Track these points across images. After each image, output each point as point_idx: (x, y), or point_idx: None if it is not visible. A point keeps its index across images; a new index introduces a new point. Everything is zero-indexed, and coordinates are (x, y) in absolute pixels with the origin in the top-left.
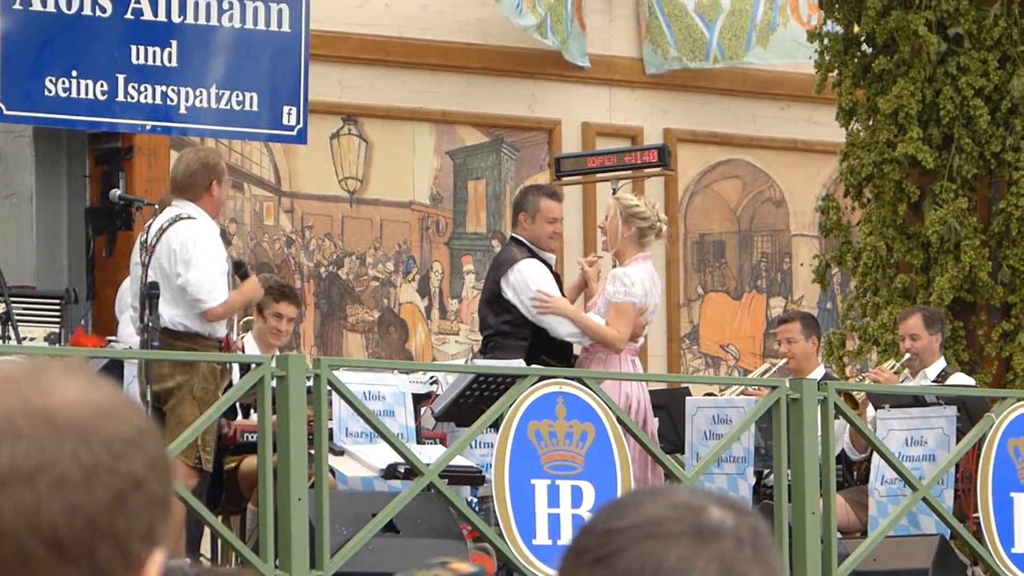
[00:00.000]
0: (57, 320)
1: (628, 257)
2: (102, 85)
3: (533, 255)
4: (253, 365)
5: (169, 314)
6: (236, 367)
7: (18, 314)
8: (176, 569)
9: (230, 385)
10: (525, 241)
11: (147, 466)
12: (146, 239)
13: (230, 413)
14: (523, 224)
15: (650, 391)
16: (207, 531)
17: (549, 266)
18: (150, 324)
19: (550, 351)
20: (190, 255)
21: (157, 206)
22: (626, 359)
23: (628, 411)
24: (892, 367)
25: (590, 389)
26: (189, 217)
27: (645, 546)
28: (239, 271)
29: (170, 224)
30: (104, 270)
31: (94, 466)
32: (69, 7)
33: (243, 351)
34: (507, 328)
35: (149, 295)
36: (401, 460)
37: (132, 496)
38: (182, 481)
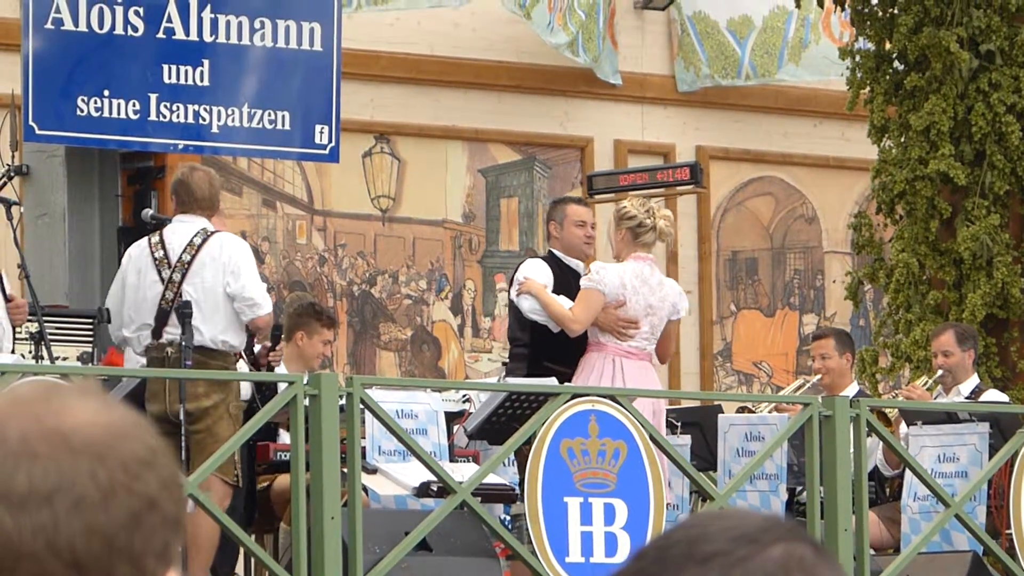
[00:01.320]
0: (90, 339)
1: (624, 258)
2: (134, 104)
3: (554, 263)
4: (286, 384)
5: (211, 332)
6: (245, 384)
7: (51, 333)
8: None
9: (253, 402)
10: (556, 252)
11: (161, 486)
12: (165, 256)
13: (266, 434)
14: (554, 235)
15: (682, 408)
16: (242, 550)
17: (573, 272)
18: (183, 343)
19: (550, 355)
20: (239, 266)
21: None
22: (607, 358)
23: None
24: (925, 384)
25: (622, 407)
26: (219, 232)
27: (784, 546)
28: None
29: (204, 240)
30: None
31: (111, 486)
32: (101, 26)
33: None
34: (512, 336)
35: (182, 313)
36: (434, 478)
37: (148, 516)
38: (218, 499)
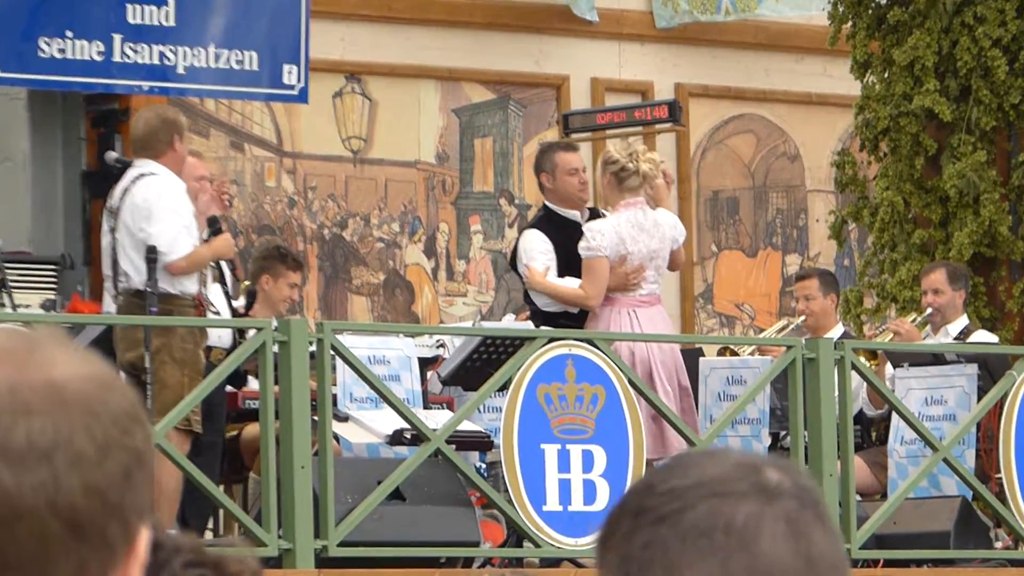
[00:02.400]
0: (53, 286)
1: (613, 206)
2: (98, 45)
3: (550, 223)
4: (255, 330)
5: (141, 277)
6: (225, 332)
7: (13, 281)
8: (166, 542)
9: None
10: (552, 206)
11: (146, 440)
12: (111, 203)
13: (235, 380)
14: (548, 186)
15: None
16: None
17: (572, 224)
18: (148, 289)
19: (567, 315)
20: (151, 209)
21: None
22: (622, 312)
23: (634, 368)
24: (914, 320)
25: (600, 351)
26: (152, 174)
27: (712, 503)
28: (212, 227)
29: (133, 183)
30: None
31: (105, 442)
32: None
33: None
34: (527, 300)
35: (148, 258)
36: (407, 426)
37: (137, 471)
38: (176, 446)
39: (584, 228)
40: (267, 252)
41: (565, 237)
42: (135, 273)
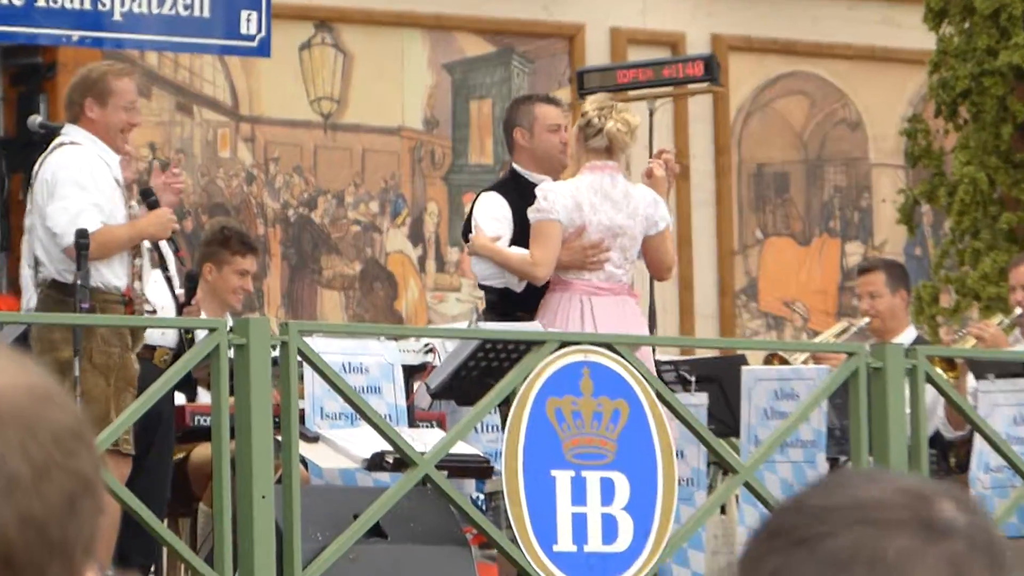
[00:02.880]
0: None
1: (579, 169)
2: None
3: (515, 188)
4: (206, 331)
5: (56, 264)
6: (170, 331)
7: None
8: None
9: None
10: (520, 169)
11: (92, 464)
12: (32, 177)
13: (182, 392)
14: (521, 143)
15: (697, 359)
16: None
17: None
18: (78, 282)
19: (524, 302)
20: (55, 184)
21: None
22: (572, 298)
23: None
24: (1000, 322)
25: (623, 357)
26: (72, 143)
27: (860, 532)
28: (146, 200)
29: (49, 154)
30: (21, 214)
31: (45, 464)
32: None
33: (180, 310)
34: (480, 284)
35: (78, 243)
36: (389, 448)
37: (83, 500)
38: (113, 472)
39: (536, 189)
40: (208, 236)
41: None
42: (49, 261)
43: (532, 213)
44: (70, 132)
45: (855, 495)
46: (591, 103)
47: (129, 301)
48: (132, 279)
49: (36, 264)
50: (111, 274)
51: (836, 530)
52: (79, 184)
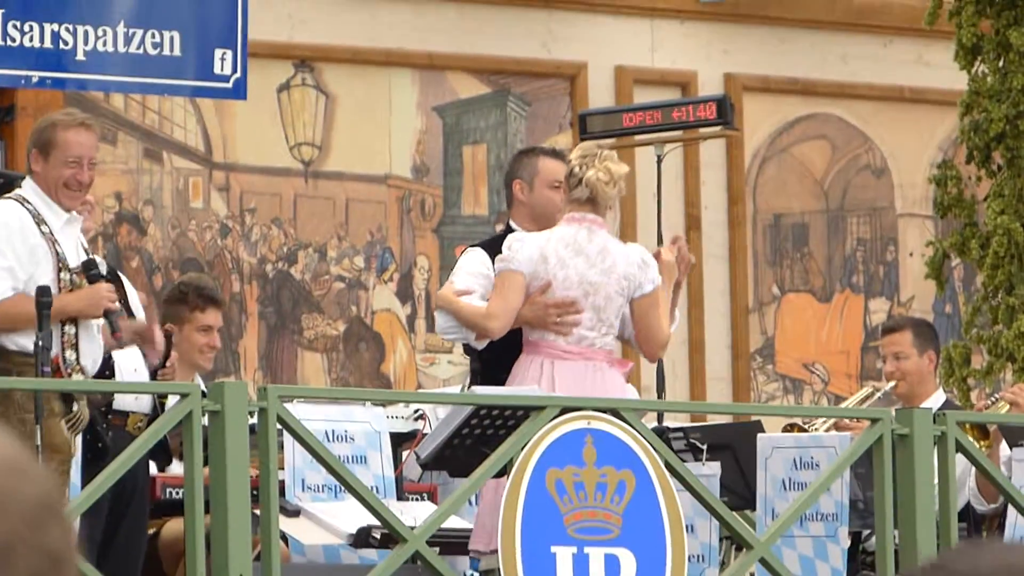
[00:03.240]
0: None
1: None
2: None
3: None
4: (177, 396)
5: None
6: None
7: None
8: None
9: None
10: (517, 226)
11: (64, 538)
12: None
13: (159, 461)
14: (519, 197)
15: (709, 425)
16: None
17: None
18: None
19: (506, 367)
20: None
21: None
22: (533, 361)
23: None
24: None
25: (629, 425)
26: (11, 198)
27: None
28: (87, 272)
29: None
30: None
31: (10, 541)
32: None
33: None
34: (466, 350)
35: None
36: (376, 522)
37: None
38: None
39: (508, 238)
40: (166, 294)
41: None
42: None
43: (497, 263)
44: (24, 184)
45: (1005, 559)
46: (576, 151)
47: (57, 369)
48: (63, 347)
49: None
50: (21, 336)
51: None
52: None
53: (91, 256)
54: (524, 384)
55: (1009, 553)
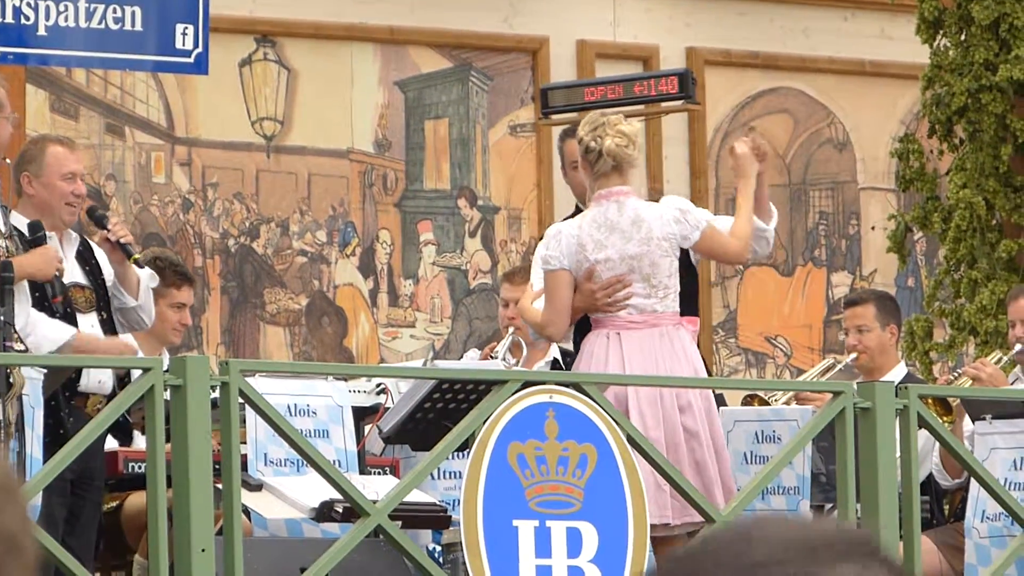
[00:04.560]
0: None
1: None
2: None
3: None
4: (139, 371)
5: None
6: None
7: None
8: None
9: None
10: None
11: (20, 520)
12: None
13: (117, 436)
14: (573, 175)
15: None
16: None
17: None
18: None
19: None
20: None
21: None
22: (600, 336)
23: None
24: (998, 361)
25: (590, 398)
26: None
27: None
28: (33, 235)
29: None
30: None
31: None
32: None
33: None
34: None
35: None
36: (338, 496)
37: (8, 560)
38: None
39: (545, 232)
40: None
41: None
42: None
43: (536, 266)
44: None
45: (745, 556)
46: (583, 126)
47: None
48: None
49: None
50: None
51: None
52: None
53: (36, 220)
54: (592, 355)
55: (749, 549)
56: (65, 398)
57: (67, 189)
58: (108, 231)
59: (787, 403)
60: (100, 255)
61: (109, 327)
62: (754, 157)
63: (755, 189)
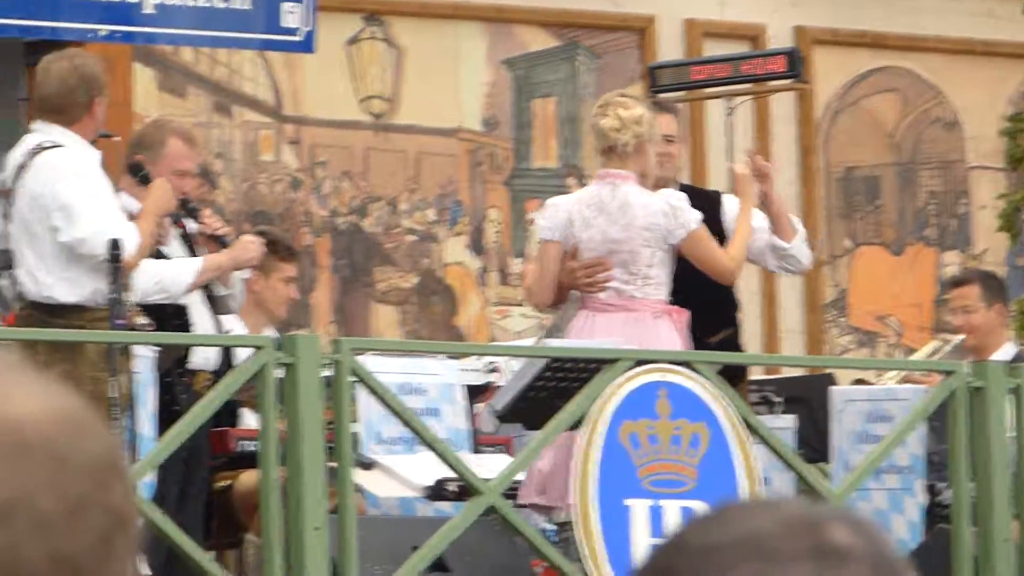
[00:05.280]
0: None
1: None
2: None
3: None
4: (251, 349)
5: (37, 285)
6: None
7: None
8: None
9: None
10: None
11: (127, 498)
12: (4, 182)
13: (224, 415)
14: None
15: (784, 378)
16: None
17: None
18: (113, 295)
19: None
20: (68, 200)
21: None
22: (580, 313)
23: None
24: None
25: (703, 376)
26: (55, 145)
27: (750, 569)
28: (136, 175)
29: (31, 158)
30: None
31: (78, 500)
32: None
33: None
34: None
35: (112, 255)
36: (451, 475)
37: (118, 536)
38: None
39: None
40: None
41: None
42: (31, 281)
43: (536, 231)
44: (52, 132)
45: (739, 530)
46: (598, 103)
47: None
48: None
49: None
50: (94, 281)
51: (728, 566)
52: (95, 192)
53: (136, 161)
54: (576, 334)
55: (745, 521)
56: (177, 374)
57: (177, 183)
58: (202, 224)
59: (899, 383)
60: None
61: (212, 305)
62: (753, 178)
63: (767, 208)
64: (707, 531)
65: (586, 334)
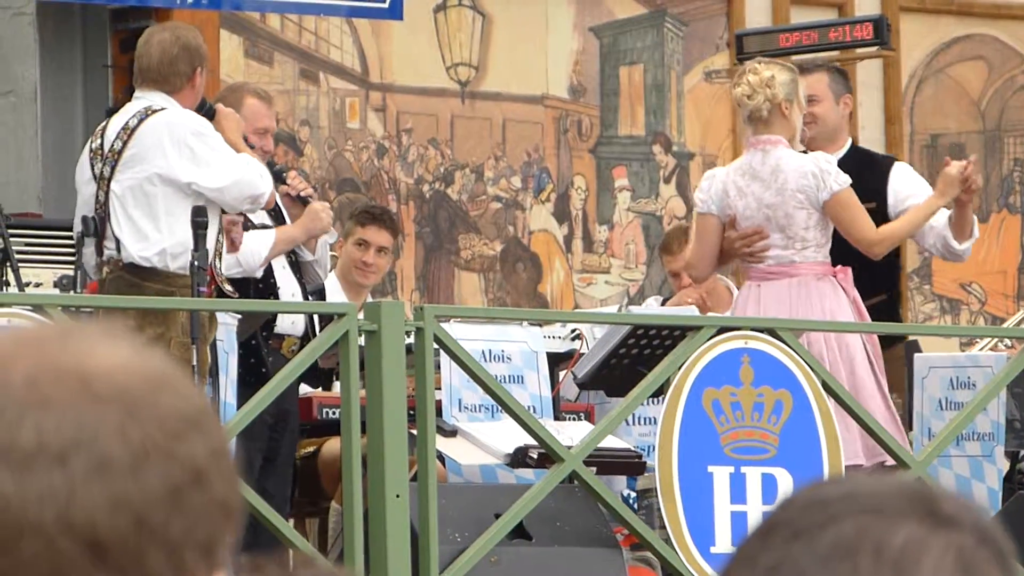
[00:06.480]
0: (70, 259)
1: None
2: None
3: (857, 156)
4: (334, 316)
5: (135, 246)
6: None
7: (20, 252)
8: None
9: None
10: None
11: (210, 455)
12: (101, 145)
13: (314, 381)
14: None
15: None
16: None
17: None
18: (195, 261)
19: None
20: (194, 146)
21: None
22: (745, 285)
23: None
24: None
25: (786, 344)
26: (163, 108)
27: (863, 521)
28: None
29: (140, 121)
30: None
31: (144, 447)
32: None
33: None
34: None
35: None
36: (533, 442)
37: (191, 492)
38: None
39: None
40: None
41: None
42: (134, 241)
43: (695, 204)
44: (155, 98)
45: (853, 488)
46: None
47: (211, 280)
48: (214, 256)
49: (101, 239)
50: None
51: (838, 520)
52: (211, 145)
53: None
54: (743, 305)
55: (859, 484)
56: (263, 338)
57: (257, 143)
58: (288, 185)
59: (983, 350)
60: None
61: (297, 270)
62: (959, 183)
63: (955, 211)
64: (819, 488)
65: (752, 305)
